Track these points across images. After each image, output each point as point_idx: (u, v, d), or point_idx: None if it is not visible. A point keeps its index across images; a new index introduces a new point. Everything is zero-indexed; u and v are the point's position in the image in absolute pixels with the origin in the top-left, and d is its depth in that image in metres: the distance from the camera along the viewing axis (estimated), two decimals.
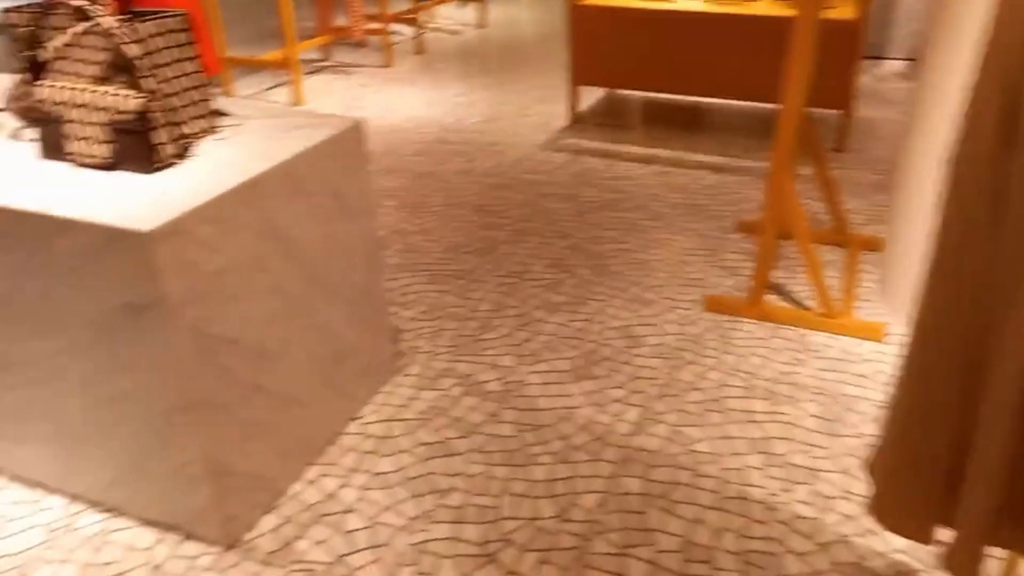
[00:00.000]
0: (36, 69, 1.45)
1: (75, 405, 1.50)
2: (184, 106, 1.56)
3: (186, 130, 1.56)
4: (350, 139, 1.73)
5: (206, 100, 1.61)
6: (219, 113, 1.67)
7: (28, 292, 1.40)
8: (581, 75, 4.00)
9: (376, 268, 1.92)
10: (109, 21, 1.36)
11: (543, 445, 1.88)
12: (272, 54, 4.58)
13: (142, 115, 1.39)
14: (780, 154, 2.19)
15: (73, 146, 1.45)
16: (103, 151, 1.43)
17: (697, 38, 3.71)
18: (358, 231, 1.82)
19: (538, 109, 4.40)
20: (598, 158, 3.69)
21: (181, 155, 1.49)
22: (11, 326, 1.45)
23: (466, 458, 1.84)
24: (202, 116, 1.61)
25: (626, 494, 1.73)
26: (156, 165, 1.44)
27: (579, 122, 4.17)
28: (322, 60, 5.41)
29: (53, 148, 1.48)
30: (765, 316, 2.38)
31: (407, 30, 6.23)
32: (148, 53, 1.46)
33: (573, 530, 1.64)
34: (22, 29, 1.59)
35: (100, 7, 1.51)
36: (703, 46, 3.72)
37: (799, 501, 1.71)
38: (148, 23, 1.47)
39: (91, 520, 1.64)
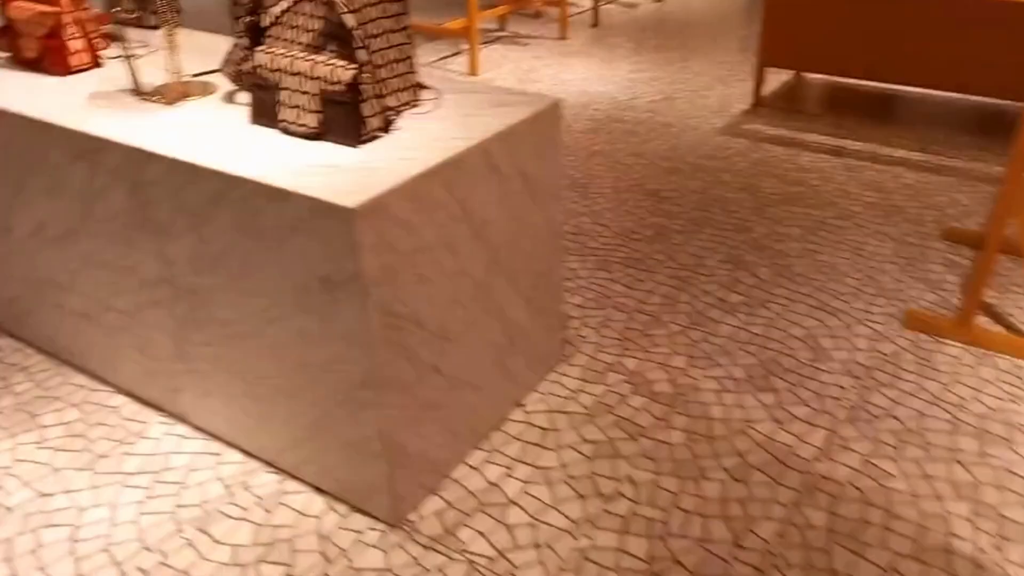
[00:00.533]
0: (255, 34, 1.47)
1: (265, 367, 1.53)
2: (391, 78, 1.54)
3: (391, 102, 1.54)
4: (547, 120, 1.66)
5: (411, 72, 1.58)
6: (421, 86, 1.64)
7: (236, 254, 1.43)
8: (771, 55, 3.74)
9: (556, 254, 1.85)
10: None
11: (716, 459, 1.76)
12: (454, 23, 4.59)
13: (353, 87, 1.37)
14: (1018, 157, 1.92)
15: (284, 113, 1.46)
16: (312, 120, 1.43)
17: (908, 21, 3.36)
18: (543, 215, 1.75)
19: (717, 90, 4.17)
20: (781, 147, 3.44)
21: (385, 128, 1.47)
22: (217, 285, 1.50)
23: (632, 463, 1.75)
24: (406, 88, 1.58)
25: (809, 527, 1.59)
26: (362, 138, 1.42)
27: (761, 106, 3.91)
28: (498, 30, 5.38)
29: (264, 114, 1.50)
30: (976, 341, 2.12)
31: (584, 1, 6.10)
32: (362, 23, 1.44)
33: (748, 560, 1.52)
34: None
35: None
36: (915, 30, 3.36)
37: (1013, 562, 1.50)
38: None
39: (266, 479, 1.69)
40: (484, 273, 1.59)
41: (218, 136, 1.49)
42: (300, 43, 1.49)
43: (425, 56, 4.81)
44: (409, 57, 1.57)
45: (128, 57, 1.64)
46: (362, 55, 1.36)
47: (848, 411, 1.90)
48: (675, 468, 1.74)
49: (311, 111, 1.43)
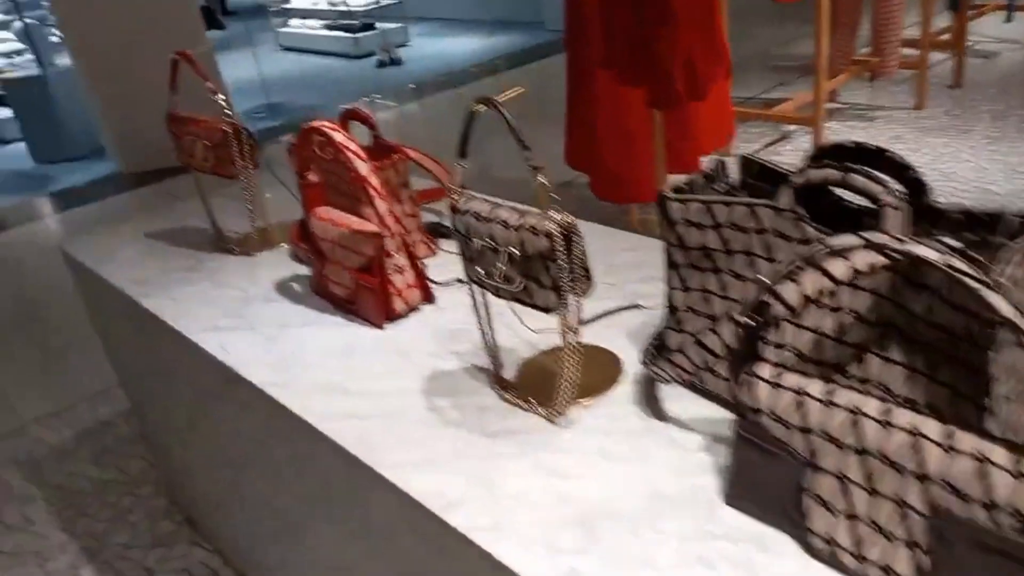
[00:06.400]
0: (750, 342, 0.73)
1: None
2: None
3: None
4: None
5: None
6: None
7: None
8: None
9: None
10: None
11: None
12: (790, 105, 3.71)
13: None
14: None
15: (833, 527, 0.69)
16: (906, 566, 0.65)
17: None
18: None
19: None
20: None
21: None
22: None
23: None
24: None
25: None
26: None
27: None
28: (827, 101, 4.40)
29: (768, 504, 0.73)
30: None
31: (935, 55, 4.90)
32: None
33: None
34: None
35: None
36: None
37: None
38: None
39: None
40: None
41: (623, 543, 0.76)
42: (837, 339, 0.73)
43: (742, 143, 3.95)
44: None
45: (482, 320, 0.98)
46: None
47: None
48: None
49: (909, 543, 0.65)
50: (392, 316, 1.20)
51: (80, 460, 2.21)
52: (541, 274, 0.85)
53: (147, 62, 4.65)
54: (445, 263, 1.40)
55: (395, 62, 7.46)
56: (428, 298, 1.25)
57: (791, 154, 3.72)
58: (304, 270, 1.44)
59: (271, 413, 1.11)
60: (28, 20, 5.81)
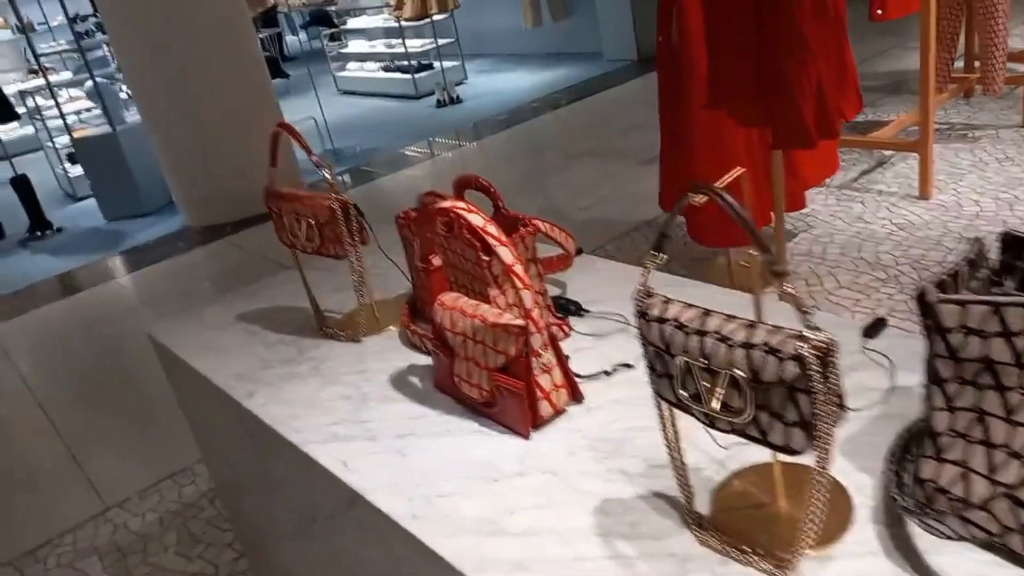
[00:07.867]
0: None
1: None
2: None
3: None
4: None
5: None
6: None
7: None
8: None
9: None
10: None
11: None
12: (888, 128, 3.46)
13: None
14: None
15: None
16: None
17: None
18: None
19: None
20: None
21: None
22: None
23: None
24: None
25: None
26: None
27: None
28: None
29: None
30: None
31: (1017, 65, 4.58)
32: None
33: None
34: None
35: None
36: None
37: None
38: None
39: None
40: None
41: None
42: None
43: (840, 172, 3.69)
44: None
45: (672, 446, 0.79)
46: None
47: None
48: None
49: None
50: (538, 423, 1.02)
51: (165, 549, 2.07)
52: (783, 406, 0.66)
53: (212, 118, 4.63)
54: (579, 347, 1.22)
55: (454, 101, 7.39)
56: (576, 396, 1.06)
57: (894, 182, 3.45)
58: (420, 358, 1.27)
59: (408, 549, 0.94)
60: (98, 79, 5.90)
